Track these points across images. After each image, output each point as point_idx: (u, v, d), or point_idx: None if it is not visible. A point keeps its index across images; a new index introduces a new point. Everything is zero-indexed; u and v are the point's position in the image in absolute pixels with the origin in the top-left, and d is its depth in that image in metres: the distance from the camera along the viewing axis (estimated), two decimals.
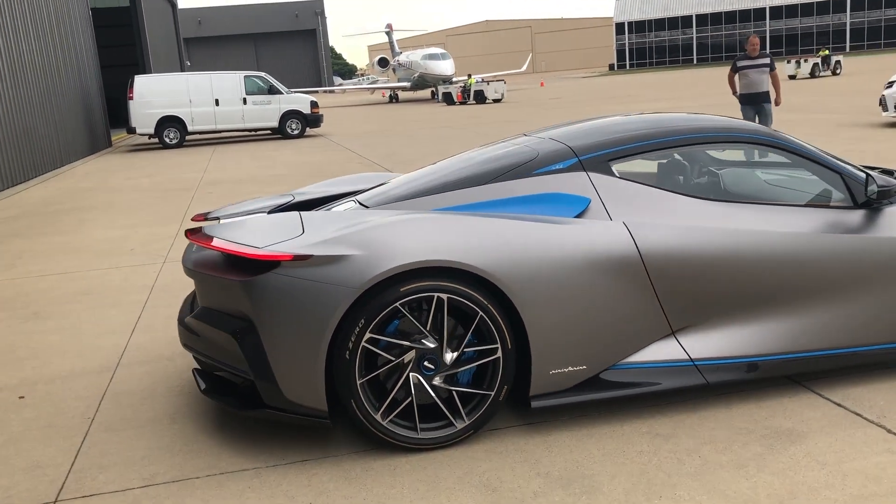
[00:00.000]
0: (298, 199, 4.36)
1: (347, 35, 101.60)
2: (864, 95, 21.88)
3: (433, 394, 3.23)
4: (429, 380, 3.23)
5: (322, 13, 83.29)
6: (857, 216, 3.65)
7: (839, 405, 3.44)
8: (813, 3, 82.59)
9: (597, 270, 3.29)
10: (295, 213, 3.70)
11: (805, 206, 3.67)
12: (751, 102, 11.30)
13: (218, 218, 4.08)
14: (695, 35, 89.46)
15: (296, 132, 24.02)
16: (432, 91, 48.41)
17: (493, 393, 3.26)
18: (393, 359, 3.19)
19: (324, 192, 4.50)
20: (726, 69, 65.52)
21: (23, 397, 4.17)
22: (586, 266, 3.28)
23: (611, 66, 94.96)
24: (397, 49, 62.23)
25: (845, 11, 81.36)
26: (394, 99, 53.85)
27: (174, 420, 3.75)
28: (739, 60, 11.27)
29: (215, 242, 3.33)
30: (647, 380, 3.40)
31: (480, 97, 41.13)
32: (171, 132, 23.02)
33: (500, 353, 3.23)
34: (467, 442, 3.30)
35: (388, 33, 64.65)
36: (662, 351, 3.44)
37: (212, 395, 3.49)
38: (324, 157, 16.86)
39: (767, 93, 11.18)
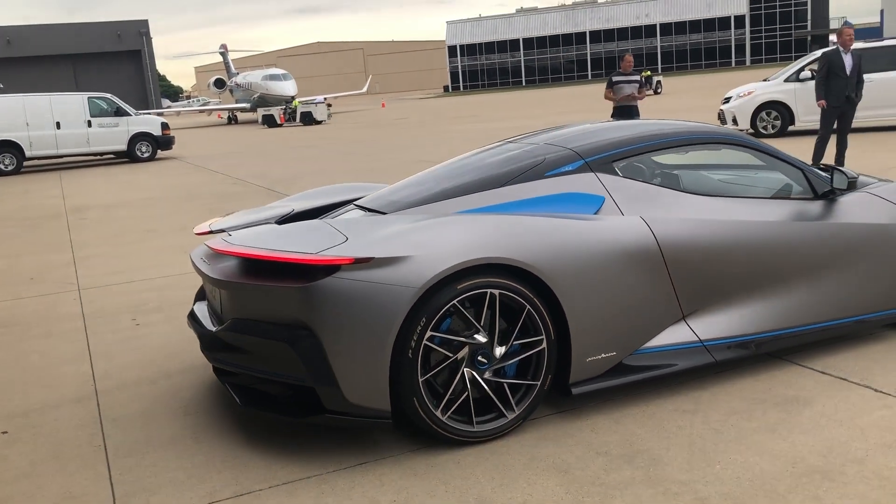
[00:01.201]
0: (298, 209, 4.34)
1: (178, 56, 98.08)
2: (697, 111, 23.89)
3: (486, 387, 3.35)
4: (481, 374, 3.35)
5: (147, 33, 79.71)
6: (821, 206, 4.13)
7: (824, 373, 3.88)
8: (628, 28, 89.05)
9: (624, 261, 3.55)
10: (320, 221, 3.71)
11: (778, 198, 4.11)
12: (623, 115, 12.22)
13: (223, 230, 3.98)
14: (522, 58, 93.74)
15: (146, 155, 22.98)
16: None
17: (538, 383, 3.43)
18: (451, 355, 3.28)
19: (316, 203, 4.50)
20: (553, 90, 68.11)
21: (6, 432, 3.86)
22: (615, 257, 3.53)
23: (445, 88, 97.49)
24: (233, 70, 60.81)
25: (656, 36, 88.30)
26: (233, 120, 52.58)
27: (198, 439, 3.62)
28: (615, 76, 12.15)
29: (260, 252, 3.29)
30: (665, 362, 3.69)
31: (308, 119, 40.81)
32: (7, 158, 21.33)
33: (544, 345, 3.41)
34: (514, 433, 3.44)
35: (222, 53, 63.07)
36: (675, 334, 3.74)
37: (255, 407, 3.42)
38: (192, 179, 16.28)
39: (637, 106, 12.16)
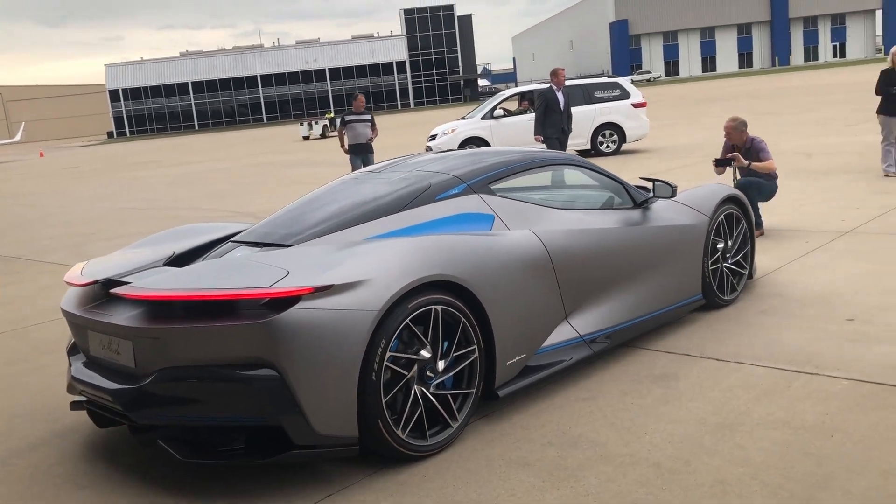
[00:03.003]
0: (179, 251, 4.06)
1: None
2: (404, 148, 25.31)
3: (434, 401, 3.48)
4: (428, 388, 3.48)
5: None
6: (642, 213, 4.87)
7: (670, 353, 4.57)
8: (298, 72, 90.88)
9: (527, 270, 3.92)
10: (240, 258, 3.58)
11: (613, 209, 4.77)
12: (358, 152, 12.76)
13: (109, 279, 3.61)
14: (193, 102, 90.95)
15: None
16: None
17: (474, 390, 3.65)
18: (406, 373, 3.37)
19: (194, 244, 4.23)
20: (230, 133, 67.16)
21: None
22: (521, 267, 3.89)
23: (110, 134, 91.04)
24: None
25: (326, 80, 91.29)
26: None
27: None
28: (347, 115, 12.69)
29: (208, 292, 3.10)
30: (559, 358, 4.10)
31: None
32: None
33: (476, 354, 3.64)
34: (458, 442, 3.60)
35: None
36: (562, 333, 4.18)
37: (199, 458, 3.19)
38: None
39: (370, 144, 12.77)
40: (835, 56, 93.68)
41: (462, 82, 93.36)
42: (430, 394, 3.48)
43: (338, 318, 3.13)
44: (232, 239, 4.20)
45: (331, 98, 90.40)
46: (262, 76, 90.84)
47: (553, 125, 11.14)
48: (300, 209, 4.30)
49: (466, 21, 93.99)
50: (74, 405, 3.79)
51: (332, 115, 46.29)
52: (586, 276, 4.31)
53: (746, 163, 7.28)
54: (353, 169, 12.84)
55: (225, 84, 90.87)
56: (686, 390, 4.00)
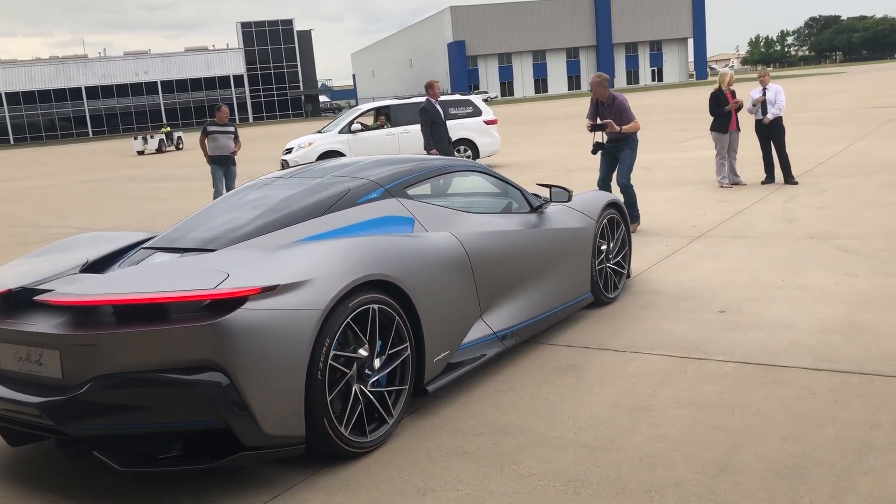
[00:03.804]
0: (93, 257, 3.89)
1: None
2: (257, 162, 24.73)
3: (372, 398, 3.55)
4: (367, 386, 3.55)
5: None
6: (539, 216, 5.16)
7: (571, 346, 4.87)
8: (127, 84, 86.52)
9: (450, 270, 4.08)
10: (168, 262, 3.49)
11: (511, 213, 5.03)
12: (221, 163, 12.46)
13: (22, 287, 3.41)
14: (7, 114, 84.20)
15: None
16: None
17: (406, 387, 3.75)
18: (348, 371, 3.42)
19: (106, 251, 4.06)
20: (54, 147, 62.66)
21: None
22: (444, 267, 4.05)
23: None
24: None
25: (158, 93, 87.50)
26: None
27: None
28: (210, 126, 12.37)
29: (148, 295, 3.02)
30: (477, 354, 4.29)
31: None
32: None
33: (409, 351, 3.75)
34: (393, 438, 3.69)
35: None
36: (478, 330, 4.36)
37: (140, 468, 3.09)
38: None
39: (233, 156, 12.51)
40: (653, 80, 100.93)
41: (303, 98, 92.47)
42: (368, 391, 3.55)
43: (284, 318, 3.15)
44: (143, 246, 4.07)
45: (163, 111, 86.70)
46: (87, 88, 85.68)
47: (441, 139, 11.22)
48: (212, 214, 4.24)
49: (306, 36, 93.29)
50: None
51: (169, 129, 44.39)
52: (497, 276, 4.53)
53: (619, 128, 8.08)
54: (215, 181, 12.52)
55: (45, 96, 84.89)
56: (594, 378, 4.30)
